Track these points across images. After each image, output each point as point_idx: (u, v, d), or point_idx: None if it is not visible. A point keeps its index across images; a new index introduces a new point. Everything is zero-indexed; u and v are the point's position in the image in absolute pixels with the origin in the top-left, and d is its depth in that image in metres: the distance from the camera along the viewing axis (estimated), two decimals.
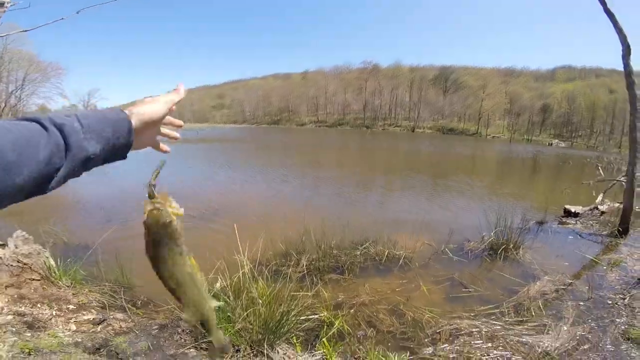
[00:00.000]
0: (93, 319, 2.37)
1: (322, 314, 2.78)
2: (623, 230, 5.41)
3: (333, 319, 2.73)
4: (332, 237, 4.26)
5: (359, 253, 4.16)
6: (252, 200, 7.13)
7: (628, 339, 2.82)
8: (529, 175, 15.01)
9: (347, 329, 2.72)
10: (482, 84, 59.39)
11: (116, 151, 0.51)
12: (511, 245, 4.22)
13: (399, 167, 15.41)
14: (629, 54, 5.70)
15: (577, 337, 2.84)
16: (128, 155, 0.54)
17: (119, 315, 2.59)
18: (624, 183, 6.03)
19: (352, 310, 3.02)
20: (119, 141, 0.50)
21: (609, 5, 5.89)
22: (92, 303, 2.74)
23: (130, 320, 2.54)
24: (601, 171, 11.26)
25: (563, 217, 6.07)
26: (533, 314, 3.12)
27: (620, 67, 6.22)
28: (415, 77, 64.20)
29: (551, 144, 41.60)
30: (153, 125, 0.56)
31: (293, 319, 2.50)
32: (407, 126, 57.70)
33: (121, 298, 2.88)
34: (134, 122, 0.52)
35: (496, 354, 2.58)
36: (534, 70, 74.72)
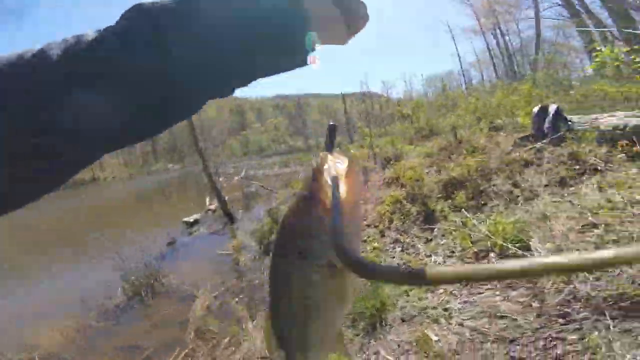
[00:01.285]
0: None
1: None
2: (230, 218, 7.33)
3: None
4: None
5: None
6: None
7: None
8: (157, 203, 15.58)
9: None
10: None
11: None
12: (154, 280, 4.18)
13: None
14: None
15: None
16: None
17: None
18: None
19: None
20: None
21: None
22: None
23: None
24: (205, 179, 14.41)
25: (188, 228, 7.11)
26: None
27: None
28: None
29: (168, 169, 47.10)
30: None
31: None
32: None
33: None
34: None
35: None
36: None
